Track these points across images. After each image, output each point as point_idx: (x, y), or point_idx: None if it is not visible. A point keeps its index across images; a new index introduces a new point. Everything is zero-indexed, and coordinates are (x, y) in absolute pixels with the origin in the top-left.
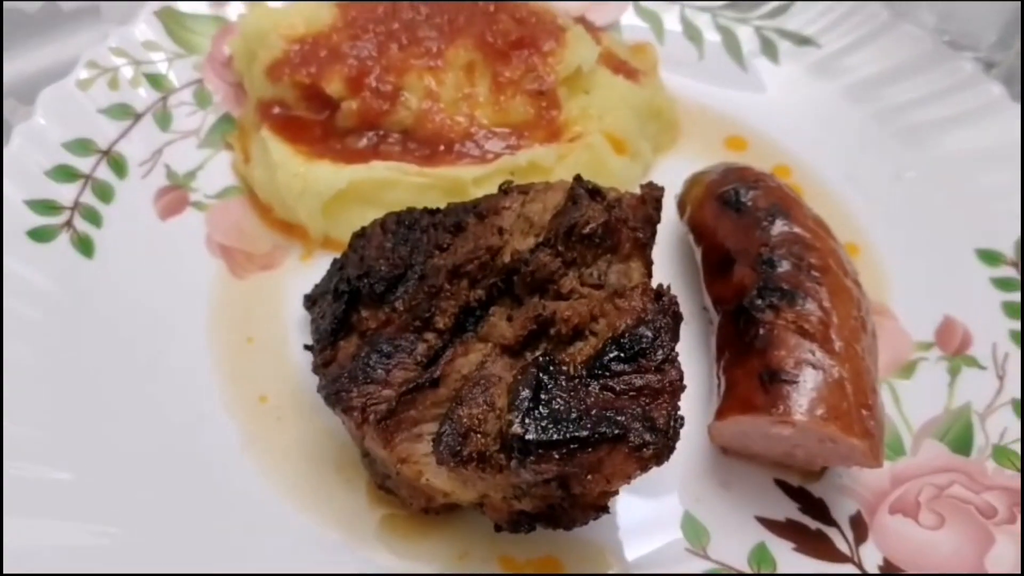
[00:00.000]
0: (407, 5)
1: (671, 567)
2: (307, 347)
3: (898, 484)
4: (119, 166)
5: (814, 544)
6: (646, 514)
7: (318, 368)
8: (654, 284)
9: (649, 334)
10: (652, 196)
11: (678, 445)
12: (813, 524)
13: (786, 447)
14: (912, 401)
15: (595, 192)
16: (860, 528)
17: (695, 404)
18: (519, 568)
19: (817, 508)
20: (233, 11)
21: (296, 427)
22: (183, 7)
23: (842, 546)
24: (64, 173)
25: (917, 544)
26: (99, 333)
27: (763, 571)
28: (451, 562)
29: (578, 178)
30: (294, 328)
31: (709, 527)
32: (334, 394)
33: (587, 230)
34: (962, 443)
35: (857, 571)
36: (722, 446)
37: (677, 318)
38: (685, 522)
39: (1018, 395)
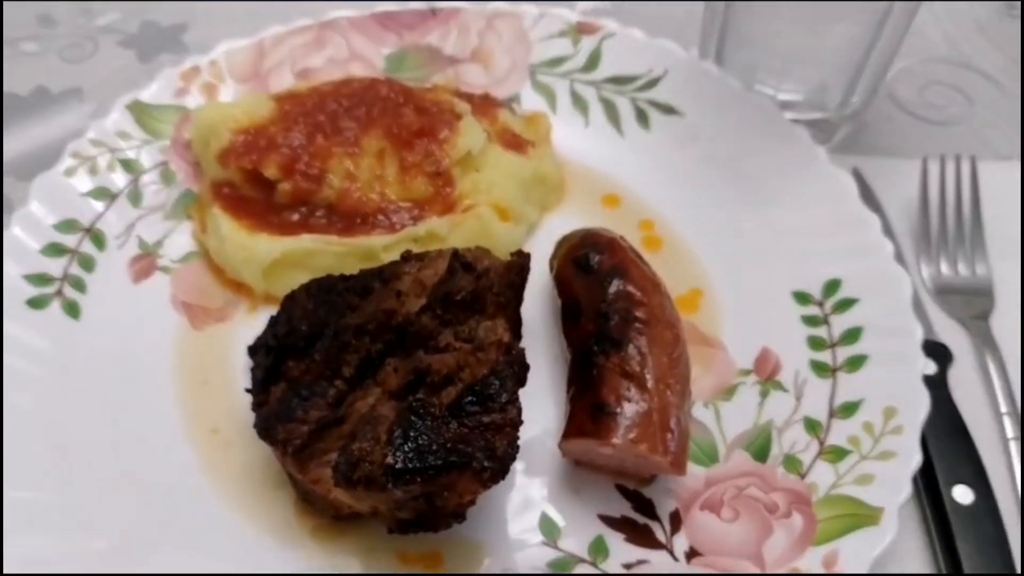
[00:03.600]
0: (330, 97)
1: (527, 555)
2: (247, 390)
3: (710, 486)
4: (99, 240)
5: (640, 535)
6: (512, 515)
7: (255, 408)
8: (528, 330)
9: (497, 382)
10: (517, 264)
11: (541, 460)
12: (641, 519)
13: (616, 462)
14: (730, 418)
15: (467, 265)
16: (676, 522)
17: (557, 427)
18: (411, 560)
19: (646, 507)
20: (192, 100)
21: (242, 454)
22: (149, 99)
23: (661, 536)
24: (54, 249)
25: (716, 534)
26: (84, 381)
27: (598, 557)
28: (361, 556)
29: (455, 253)
30: (241, 371)
31: (560, 524)
32: (264, 430)
33: (459, 297)
34: (762, 452)
35: (669, 556)
36: (574, 460)
37: (523, 367)
38: (542, 521)
39: (810, 414)
